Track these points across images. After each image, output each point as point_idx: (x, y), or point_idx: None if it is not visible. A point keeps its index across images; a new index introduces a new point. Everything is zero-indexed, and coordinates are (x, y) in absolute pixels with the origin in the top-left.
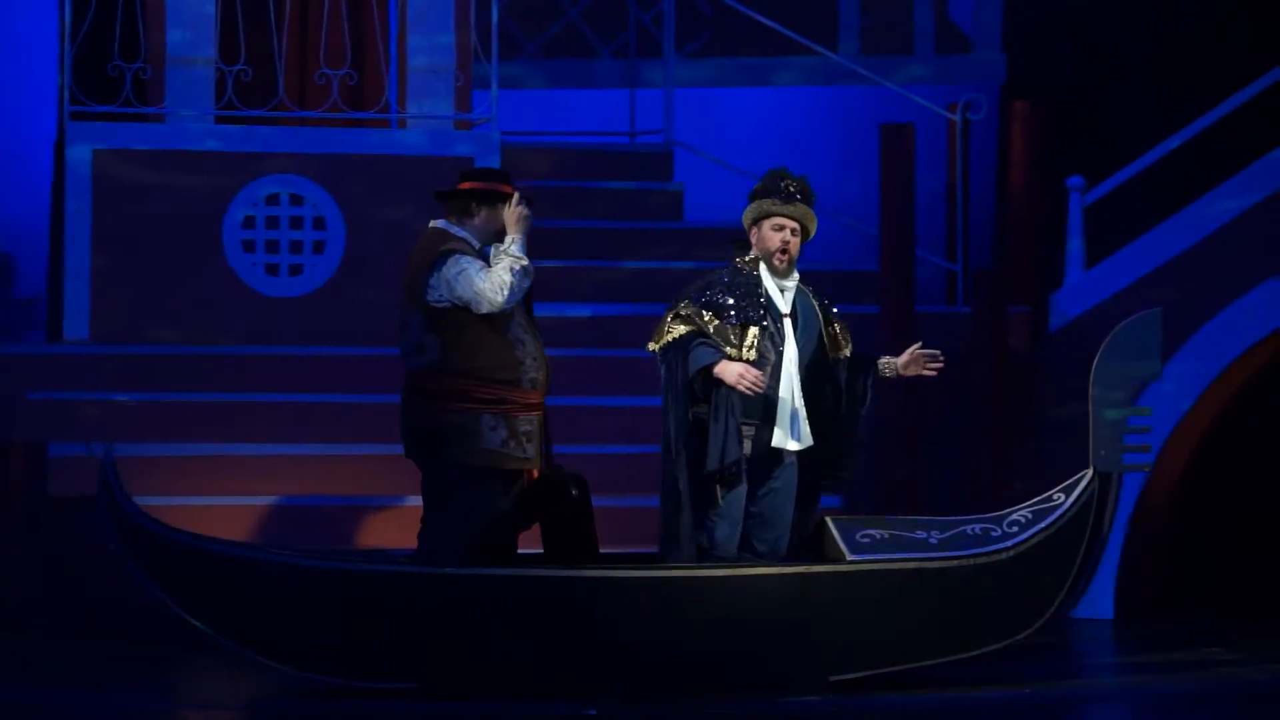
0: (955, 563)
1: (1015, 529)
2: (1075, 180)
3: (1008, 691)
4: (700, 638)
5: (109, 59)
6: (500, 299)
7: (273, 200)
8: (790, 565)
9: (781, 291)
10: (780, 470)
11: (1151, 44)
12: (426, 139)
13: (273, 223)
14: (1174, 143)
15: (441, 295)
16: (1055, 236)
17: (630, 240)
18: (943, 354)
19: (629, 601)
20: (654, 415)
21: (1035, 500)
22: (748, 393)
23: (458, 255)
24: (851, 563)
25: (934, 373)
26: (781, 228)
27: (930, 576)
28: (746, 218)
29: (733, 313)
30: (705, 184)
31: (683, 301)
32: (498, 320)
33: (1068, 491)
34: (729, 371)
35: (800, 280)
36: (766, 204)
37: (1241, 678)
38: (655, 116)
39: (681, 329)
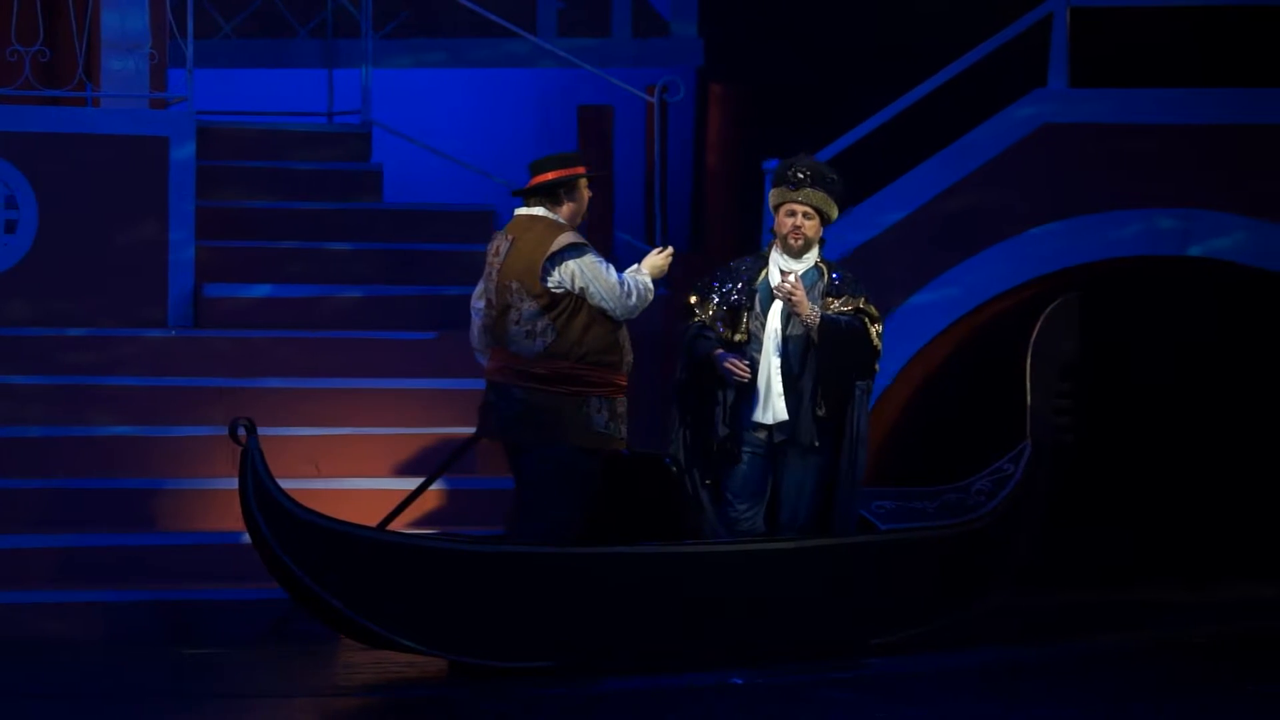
0: (955, 529)
1: (983, 497)
2: (772, 163)
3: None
4: (781, 604)
5: None
6: (631, 303)
7: None
8: (842, 537)
9: (784, 274)
10: (766, 447)
11: (851, 27)
12: (121, 118)
13: None
14: (871, 124)
15: (561, 282)
16: (754, 218)
17: (328, 220)
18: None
19: (734, 572)
20: (356, 395)
21: (988, 471)
22: (740, 380)
23: (586, 249)
24: (886, 532)
25: (784, 294)
26: (793, 213)
27: (941, 541)
28: (770, 206)
29: (731, 297)
30: (404, 165)
31: (692, 292)
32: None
33: (1014, 462)
34: (719, 365)
35: (820, 262)
36: (777, 192)
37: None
38: (354, 97)
39: (687, 320)
